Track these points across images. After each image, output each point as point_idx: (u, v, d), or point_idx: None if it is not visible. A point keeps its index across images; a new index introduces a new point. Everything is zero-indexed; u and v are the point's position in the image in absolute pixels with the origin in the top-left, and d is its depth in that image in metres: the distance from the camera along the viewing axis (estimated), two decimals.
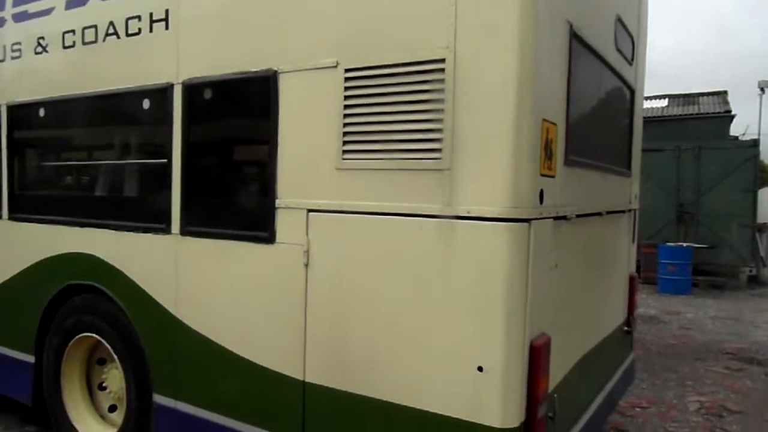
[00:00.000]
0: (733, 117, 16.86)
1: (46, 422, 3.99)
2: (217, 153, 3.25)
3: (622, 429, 4.64)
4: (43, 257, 3.76)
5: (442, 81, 2.26)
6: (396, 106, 2.37)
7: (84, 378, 3.81)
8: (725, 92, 17.81)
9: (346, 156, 2.51)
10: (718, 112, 16.83)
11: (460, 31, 2.22)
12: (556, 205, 2.49)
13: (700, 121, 16.31)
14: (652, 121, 15.65)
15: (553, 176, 2.43)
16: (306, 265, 2.64)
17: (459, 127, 2.23)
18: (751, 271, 13.08)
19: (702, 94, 18.17)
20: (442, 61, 2.25)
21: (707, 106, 17.38)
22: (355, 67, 2.48)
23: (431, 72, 2.28)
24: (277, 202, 2.73)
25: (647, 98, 16.52)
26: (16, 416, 4.43)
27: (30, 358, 3.88)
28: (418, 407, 2.35)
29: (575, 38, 2.63)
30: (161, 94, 3.13)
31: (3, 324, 4.11)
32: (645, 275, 11.57)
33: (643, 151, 4.56)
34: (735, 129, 17.14)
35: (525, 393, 2.26)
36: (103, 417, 3.77)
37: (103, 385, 3.72)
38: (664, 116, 17.17)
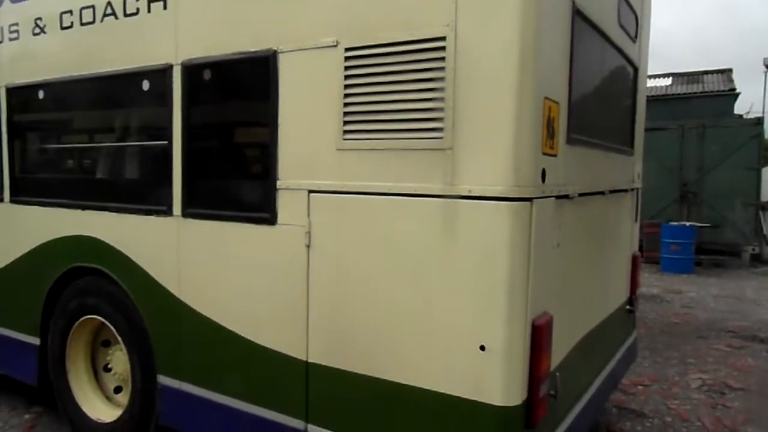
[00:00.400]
0: (737, 95, 16.71)
1: (52, 403, 4.04)
2: (217, 134, 3.23)
3: (624, 406, 4.67)
4: (45, 240, 3.77)
5: (442, 59, 2.23)
6: (397, 85, 2.35)
7: (89, 360, 3.84)
8: (730, 70, 17.62)
9: (347, 136, 2.50)
10: (723, 91, 16.65)
11: (461, 9, 2.19)
12: (558, 183, 2.47)
13: (704, 100, 16.15)
14: (656, 100, 15.54)
15: (555, 155, 2.41)
16: (308, 246, 2.64)
17: (460, 106, 2.21)
18: (754, 249, 13.07)
19: (706, 72, 17.97)
20: (443, 39, 2.22)
21: (712, 85, 17.20)
22: (355, 46, 2.45)
23: (432, 50, 2.25)
24: (278, 183, 2.72)
25: (651, 77, 16.34)
26: (23, 398, 4.48)
27: (35, 340, 3.91)
28: (420, 386, 2.36)
29: (578, 15, 2.59)
30: (160, 75, 3.11)
31: (8, 306, 4.14)
32: (648, 254, 11.56)
33: (647, 129, 4.53)
34: (739, 107, 17.00)
35: (527, 372, 2.27)
36: (108, 398, 3.81)
37: (108, 366, 3.75)
38: (668, 95, 17.02)
